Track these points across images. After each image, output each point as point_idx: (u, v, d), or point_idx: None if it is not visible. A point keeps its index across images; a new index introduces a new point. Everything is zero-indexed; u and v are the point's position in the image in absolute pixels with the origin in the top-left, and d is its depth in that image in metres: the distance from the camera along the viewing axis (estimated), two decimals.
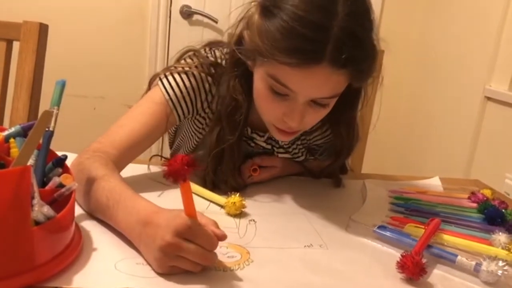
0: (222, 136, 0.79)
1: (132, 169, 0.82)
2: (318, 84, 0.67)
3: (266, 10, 0.66)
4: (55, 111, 0.58)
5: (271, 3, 0.65)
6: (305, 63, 0.63)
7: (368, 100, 0.81)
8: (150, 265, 0.54)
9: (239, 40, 0.74)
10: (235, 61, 0.76)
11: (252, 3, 0.71)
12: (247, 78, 0.76)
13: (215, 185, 0.81)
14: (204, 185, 0.81)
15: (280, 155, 0.91)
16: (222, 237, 0.55)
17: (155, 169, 0.89)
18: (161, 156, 0.97)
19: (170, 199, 0.73)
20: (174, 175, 0.49)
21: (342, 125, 0.85)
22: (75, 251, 0.53)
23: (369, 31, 0.67)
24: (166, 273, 0.53)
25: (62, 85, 0.59)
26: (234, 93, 0.77)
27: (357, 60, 0.65)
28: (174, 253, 0.52)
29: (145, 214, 0.56)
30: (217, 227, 0.56)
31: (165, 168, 0.50)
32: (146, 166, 0.89)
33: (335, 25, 0.61)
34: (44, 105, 0.64)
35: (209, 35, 2.15)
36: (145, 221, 0.55)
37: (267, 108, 0.74)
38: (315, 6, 0.62)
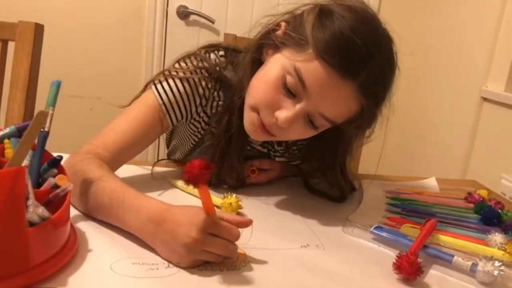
0: (232, 122, 0.78)
1: (131, 170, 0.82)
2: (335, 98, 0.67)
3: (326, 12, 0.67)
4: (50, 112, 0.58)
5: (333, 8, 0.67)
6: (341, 70, 0.64)
7: (352, 152, 0.85)
8: (164, 259, 0.56)
9: (275, 28, 0.74)
10: (260, 45, 0.75)
11: (306, 5, 0.72)
12: (256, 67, 0.76)
13: (219, 178, 0.82)
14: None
15: (276, 158, 0.91)
16: (249, 223, 0.60)
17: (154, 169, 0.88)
18: (169, 159, 0.98)
19: (170, 199, 0.72)
20: (194, 181, 0.51)
21: (328, 173, 0.84)
22: (70, 252, 0.53)
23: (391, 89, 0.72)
24: (189, 267, 0.55)
25: (58, 85, 0.59)
26: (243, 74, 0.76)
27: (377, 97, 0.70)
28: (200, 248, 0.54)
29: (156, 211, 0.57)
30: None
31: (184, 174, 0.51)
32: (142, 167, 0.88)
33: (377, 58, 0.65)
34: (40, 105, 0.63)
35: (206, 36, 2.15)
36: (158, 219, 0.56)
37: (266, 94, 0.70)
38: (369, 31, 0.66)
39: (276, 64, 0.70)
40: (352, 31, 0.64)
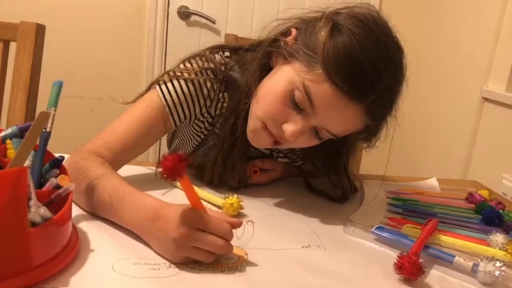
0: (237, 126, 0.79)
1: (134, 170, 0.82)
2: (342, 118, 0.68)
3: (338, 30, 0.66)
4: (52, 112, 0.58)
5: (344, 24, 0.66)
6: (349, 94, 0.64)
7: (355, 153, 0.86)
8: (161, 256, 0.56)
9: (285, 34, 0.74)
10: (269, 52, 0.75)
11: (318, 13, 0.71)
12: (264, 73, 0.76)
13: (221, 178, 0.82)
14: (211, 177, 0.82)
15: (279, 159, 0.91)
16: (238, 224, 0.58)
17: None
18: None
19: (175, 198, 0.72)
20: (170, 173, 0.51)
21: (332, 173, 0.85)
22: (72, 253, 0.53)
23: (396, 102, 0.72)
24: (181, 263, 0.55)
25: (59, 86, 0.59)
26: (251, 79, 0.76)
27: (383, 116, 0.71)
28: (189, 243, 0.54)
29: (152, 209, 0.58)
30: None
31: (159, 169, 0.51)
32: (145, 167, 0.88)
33: (386, 79, 0.65)
34: (41, 106, 0.64)
35: (207, 36, 2.15)
36: (153, 216, 0.57)
37: (273, 107, 0.71)
38: (380, 51, 0.65)
39: (285, 77, 0.70)
40: (363, 53, 0.64)
